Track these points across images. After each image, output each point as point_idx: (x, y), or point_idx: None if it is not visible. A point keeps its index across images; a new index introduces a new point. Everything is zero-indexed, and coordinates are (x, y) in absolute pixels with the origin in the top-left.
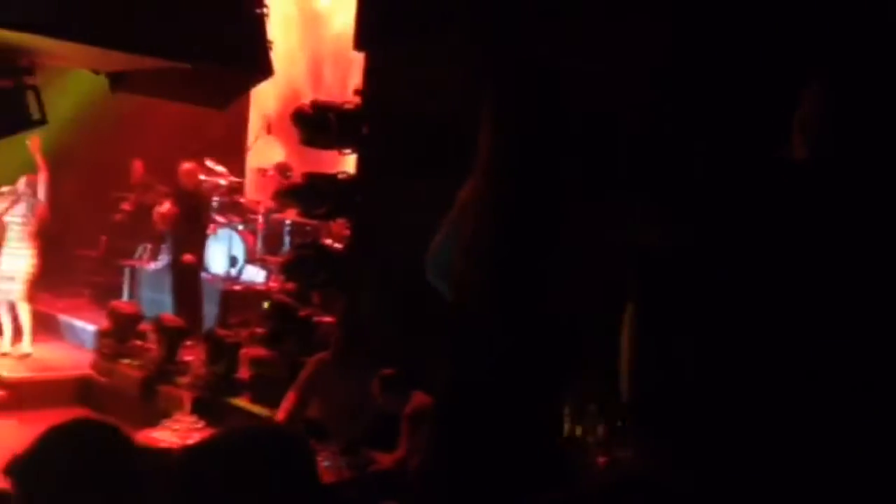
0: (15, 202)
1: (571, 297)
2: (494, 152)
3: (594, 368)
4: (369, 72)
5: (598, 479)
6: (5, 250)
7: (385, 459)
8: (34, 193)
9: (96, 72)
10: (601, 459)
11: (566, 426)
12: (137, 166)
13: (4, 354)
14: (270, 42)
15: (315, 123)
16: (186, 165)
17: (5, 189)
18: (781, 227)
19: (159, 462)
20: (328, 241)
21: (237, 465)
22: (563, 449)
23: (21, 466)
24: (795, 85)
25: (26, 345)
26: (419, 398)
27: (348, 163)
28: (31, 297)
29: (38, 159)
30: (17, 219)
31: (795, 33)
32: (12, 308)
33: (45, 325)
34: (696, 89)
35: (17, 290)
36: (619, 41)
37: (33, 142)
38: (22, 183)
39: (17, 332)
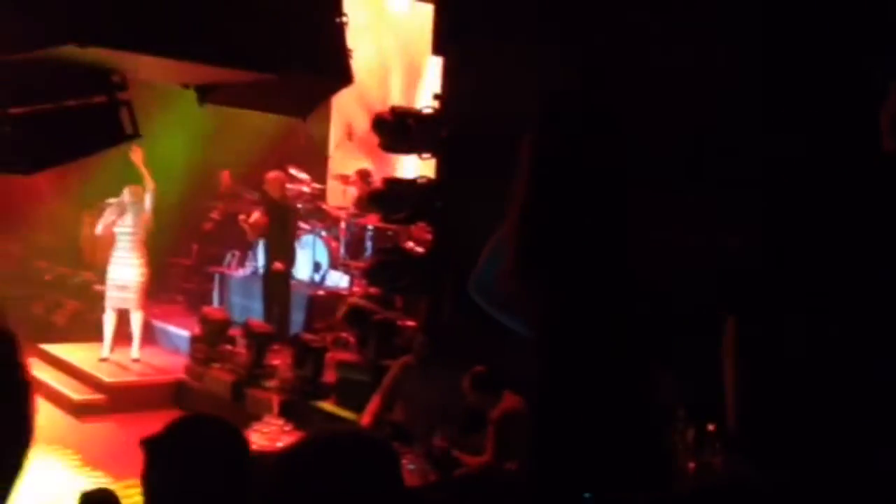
0: (122, 213)
1: (658, 300)
2: (558, 149)
3: (683, 372)
4: (448, 75)
5: (688, 483)
6: (115, 260)
7: (471, 463)
8: (140, 203)
9: (185, 86)
10: (691, 465)
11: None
12: (225, 176)
13: (104, 360)
14: (350, 50)
15: (394, 129)
16: (272, 174)
17: (112, 200)
18: (878, 221)
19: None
20: (409, 245)
21: (321, 471)
22: (658, 451)
23: (156, 442)
24: (884, 78)
25: (135, 351)
26: (510, 400)
27: (429, 167)
28: (144, 305)
29: (143, 171)
30: (126, 229)
31: (884, 28)
32: (120, 315)
33: (142, 331)
34: (781, 86)
35: (130, 298)
36: (704, 34)
37: (136, 154)
38: (127, 194)
39: (121, 339)
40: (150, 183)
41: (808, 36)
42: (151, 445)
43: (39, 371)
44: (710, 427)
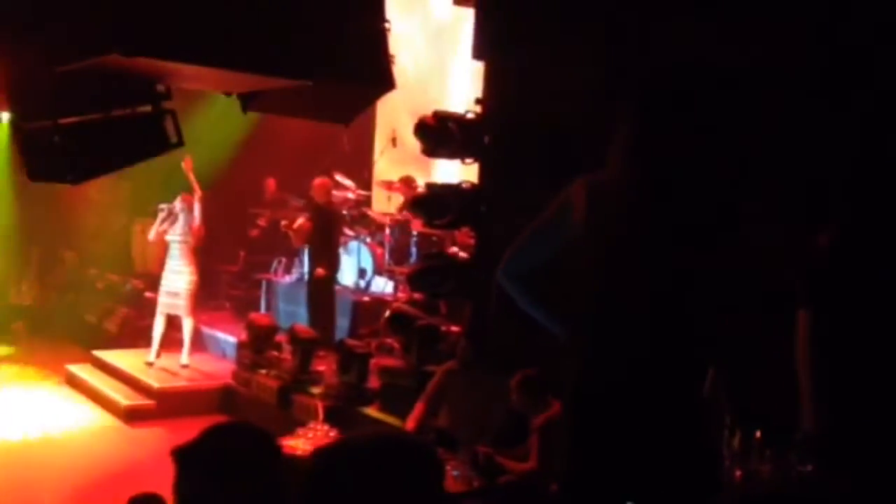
0: (172, 221)
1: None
2: (635, 150)
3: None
4: (490, 80)
5: (734, 492)
6: (167, 267)
7: (516, 469)
8: (190, 211)
9: (227, 93)
10: (737, 472)
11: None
12: (270, 184)
13: (150, 364)
14: (392, 56)
15: (437, 134)
16: (318, 180)
17: (163, 206)
18: None
19: (295, 470)
20: (453, 251)
21: (362, 471)
22: (703, 458)
23: (185, 452)
24: None
25: (185, 356)
26: (557, 408)
27: (472, 173)
28: (193, 311)
29: (192, 179)
30: (177, 237)
31: None
32: (171, 321)
33: (192, 337)
34: (859, 83)
35: (181, 305)
36: (783, 37)
37: (187, 163)
38: (178, 202)
39: (170, 344)
40: (198, 191)
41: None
42: (181, 455)
43: (91, 377)
44: (757, 434)
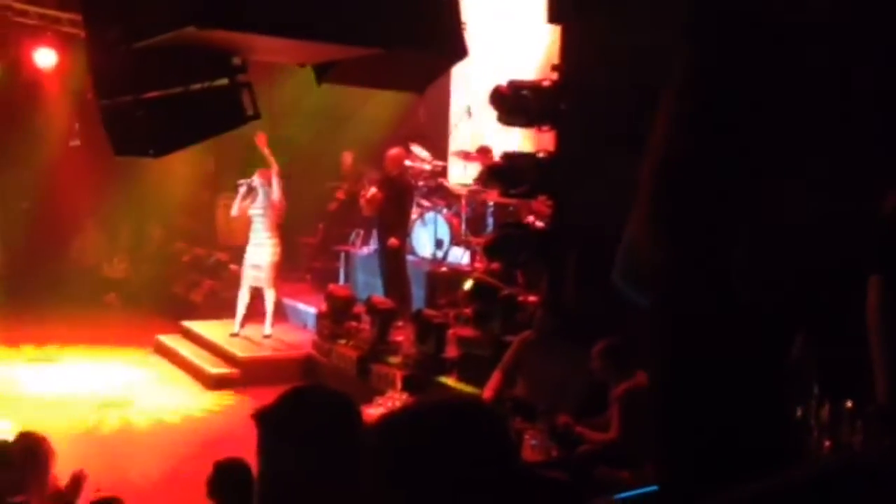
0: (253, 196)
1: (793, 271)
2: (694, 111)
3: (818, 347)
4: (566, 46)
5: (821, 463)
6: (251, 240)
7: (595, 439)
8: (269, 186)
9: (302, 64)
10: (826, 443)
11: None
12: (346, 157)
13: (234, 335)
14: (464, 23)
15: (512, 103)
16: (393, 151)
17: (242, 182)
18: None
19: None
20: (530, 220)
21: (429, 436)
22: (786, 432)
23: (266, 414)
24: None
25: (267, 327)
26: (640, 378)
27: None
28: (276, 283)
29: (268, 154)
30: (258, 211)
31: None
32: (254, 293)
33: (274, 309)
34: None
35: (262, 277)
36: None
37: (261, 138)
38: (256, 177)
39: (253, 315)
40: (274, 166)
41: None
42: (262, 417)
43: (180, 346)
44: (848, 404)
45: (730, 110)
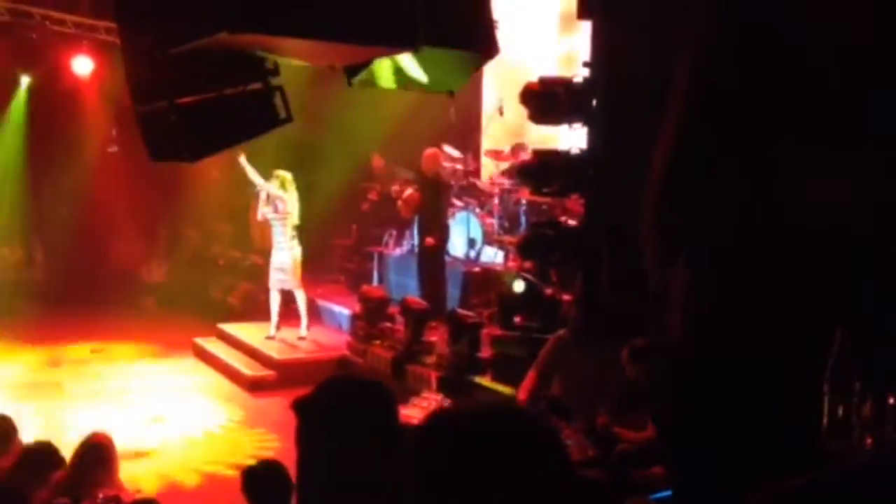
0: (270, 200)
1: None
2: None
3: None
4: (597, 41)
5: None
6: (273, 244)
7: (632, 438)
8: (281, 187)
9: (332, 67)
10: (868, 440)
11: (826, 405)
12: (376, 159)
13: (270, 338)
14: (496, 21)
15: (544, 100)
16: (429, 151)
17: (258, 188)
18: None
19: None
20: (563, 218)
21: (472, 443)
22: (821, 431)
23: (305, 403)
24: None
25: (303, 329)
26: None
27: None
28: (303, 284)
29: (247, 168)
30: (275, 215)
31: None
32: (286, 296)
33: (308, 310)
34: None
35: (288, 280)
36: None
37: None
38: (273, 181)
39: (288, 317)
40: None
41: None
42: (301, 406)
43: (218, 349)
44: (892, 400)
45: (731, 113)
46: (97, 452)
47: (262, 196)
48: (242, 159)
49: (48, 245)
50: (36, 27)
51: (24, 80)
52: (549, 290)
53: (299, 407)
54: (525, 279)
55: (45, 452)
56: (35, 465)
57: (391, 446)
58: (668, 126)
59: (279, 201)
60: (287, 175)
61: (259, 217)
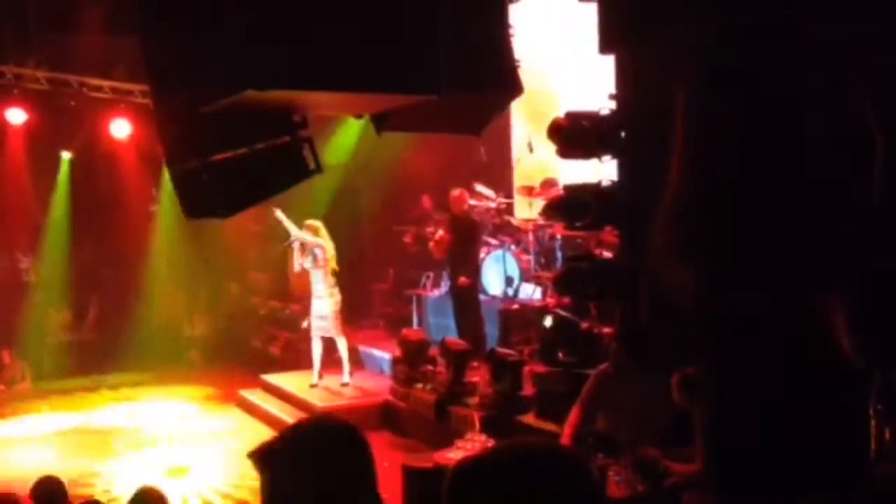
0: (304, 250)
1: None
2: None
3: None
4: (621, 73)
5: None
6: (313, 293)
7: (682, 471)
8: (315, 236)
9: (359, 116)
10: None
11: (872, 428)
12: (425, 200)
13: (314, 385)
14: (517, 61)
15: (571, 134)
16: (455, 192)
17: (292, 240)
18: None
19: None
20: (598, 251)
21: (503, 483)
22: (866, 453)
23: (263, 453)
24: None
25: (346, 375)
26: None
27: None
28: (344, 330)
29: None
30: (313, 264)
31: None
32: (327, 343)
33: (349, 356)
34: None
35: (329, 327)
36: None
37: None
38: (304, 231)
39: (330, 364)
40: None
41: None
42: (255, 455)
43: (261, 400)
44: None
45: (736, 155)
46: None
47: (296, 246)
48: (278, 213)
49: (96, 304)
50: (74, 94)
51: (66, 155)
52: (584, 325)
53: (253, 456)
54: (555, 315)
55: None
56: None
57: (355, 483)
58: (673, 168)
59: (318, 248)
60: (318, 223)
61: (296, 268)
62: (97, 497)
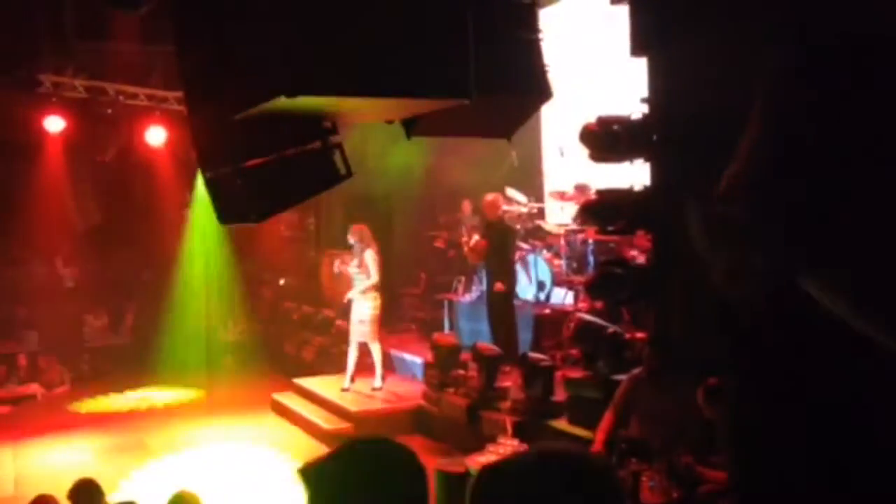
0: (353, 254)
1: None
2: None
3: None
4: (653, 76)
5: None
6: (354, 298)
7: (717, 478)
8: (360, 241)
9: (390, 121)
10: None
11: None
12: (465, 205)
13: (345, 390)
14: (547, 65)
15: (603, 139)
16: (489, 197)
17: (340, 265)
18: None
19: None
20: (631, 255)
21: (528, 487)
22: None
23: (314, 471)
24: None
25: (378, 380)
26: None
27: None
28: (379, 336)
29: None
30: (355, 269)
31: None
32: (362, 348)
33: (382, 361)
34: None
35: (366, 331)
36: None
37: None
38: (350, 234)
39: (363, 369)
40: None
41: None
42: (307, 472)
43: (294, 403)
44: None
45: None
46: None
47: (342, 271)
48: (337, 265)
49: (133, 310)
50: (111, 102)
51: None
52: (610, 329)
53: (302, 472)
54: (578, 320)
55: None
56: None
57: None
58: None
59: (365, 253)
60: (363, 227)
61: (336, 271)
62: (133, 501)
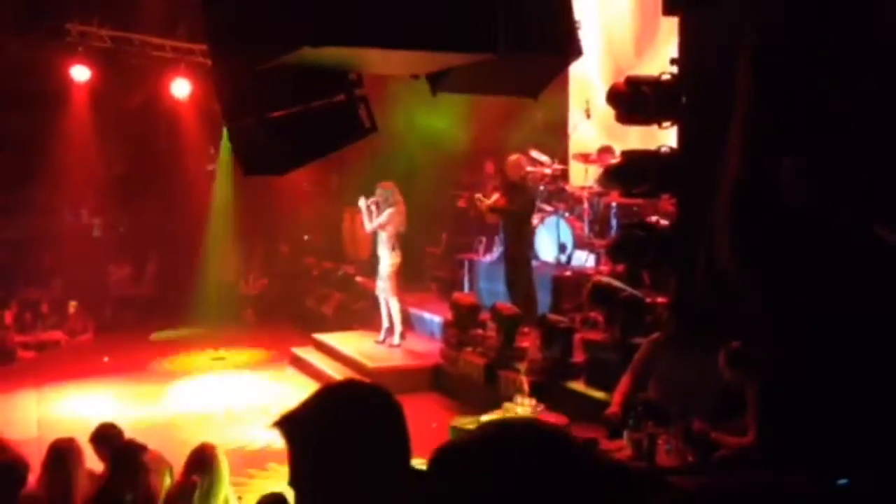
0: (380, 211)
1: None
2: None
3: None
4: (685, 36)
5: None
6: (379, 254)
7: (732, 444)
8: (386, 198)
9: (415, 76)
10: None
11: None
12: (489, 165)
13: (380, 342)
14: (578, 22)
15: (631, 100)
16: (512, 157)
17: (369, 202)
18: None
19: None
20: (654, 219)
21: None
22: None
23: (288, 421)
24: None
25: (396, 337)
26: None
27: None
28: (398, 292)
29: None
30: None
31: None
32: (385, 304)
33: (401, 319)
34: None
35: (384, 287)
36: None
37: (489, 165)
38: (378, 191)
39: (378, 326)
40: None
41: None
42: (281, 424)
43: (313, 358)
44: None
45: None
46: (204, 462)
47: (363, 207)
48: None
49: (156, 262)
50: (136, 53)
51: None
52: (626, 293)
53: (280, 424)
54: (595, 282)
55: (133, 454)
56: (125, 467)
57: (391, 455)
58: (736, 127)
59: (392, 208)
60: (392, 185)
61: (368, 230)
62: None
